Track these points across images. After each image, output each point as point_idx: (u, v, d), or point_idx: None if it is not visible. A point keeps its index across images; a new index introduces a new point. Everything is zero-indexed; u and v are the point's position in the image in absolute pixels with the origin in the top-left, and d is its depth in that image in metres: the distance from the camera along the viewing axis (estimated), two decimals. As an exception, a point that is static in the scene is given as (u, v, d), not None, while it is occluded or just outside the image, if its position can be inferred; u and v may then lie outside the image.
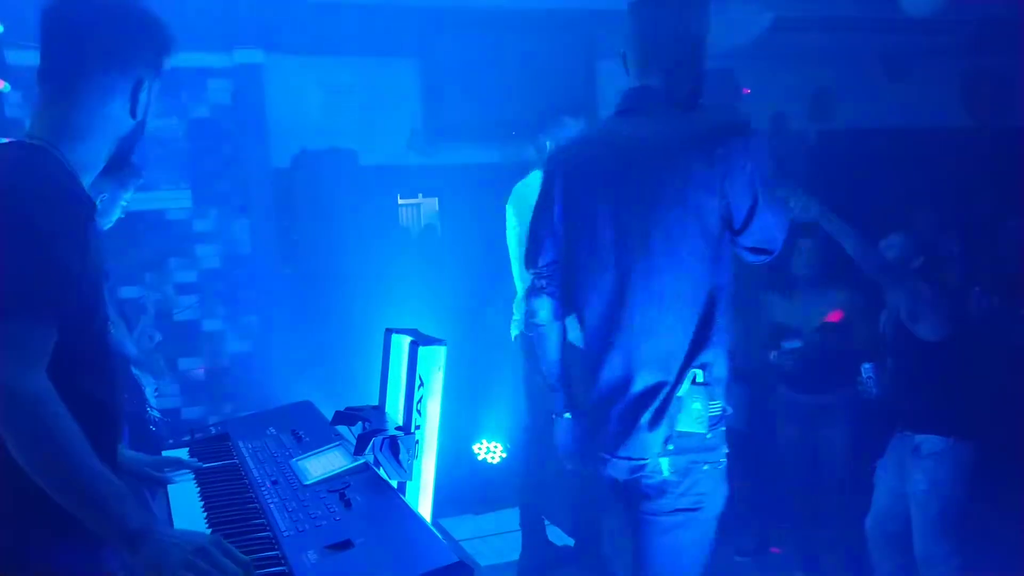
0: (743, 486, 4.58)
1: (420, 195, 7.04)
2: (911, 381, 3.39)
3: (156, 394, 3.84)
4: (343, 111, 5.31)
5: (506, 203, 3.87)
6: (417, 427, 2.10)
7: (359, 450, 2.01)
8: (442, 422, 2.15)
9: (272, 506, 1.83)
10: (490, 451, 4.72)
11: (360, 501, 1.79)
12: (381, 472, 1.99)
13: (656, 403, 2.04)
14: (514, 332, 3.90)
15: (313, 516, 1.74)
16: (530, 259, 2.30)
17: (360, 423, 2.20)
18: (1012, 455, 4.85)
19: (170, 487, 2.08)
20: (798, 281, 4.18)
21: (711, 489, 2.09)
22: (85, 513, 1.33)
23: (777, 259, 2.15)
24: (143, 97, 1.53)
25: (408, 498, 2.01)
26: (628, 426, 2.07)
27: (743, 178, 1.97)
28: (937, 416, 3.30)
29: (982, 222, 5.93)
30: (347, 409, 2.30)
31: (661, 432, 2.04)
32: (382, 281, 4.93)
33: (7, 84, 3.85)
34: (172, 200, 4.88)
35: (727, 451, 2.15)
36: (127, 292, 4.62)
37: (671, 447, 2.03)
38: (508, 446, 4.65)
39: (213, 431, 2.49)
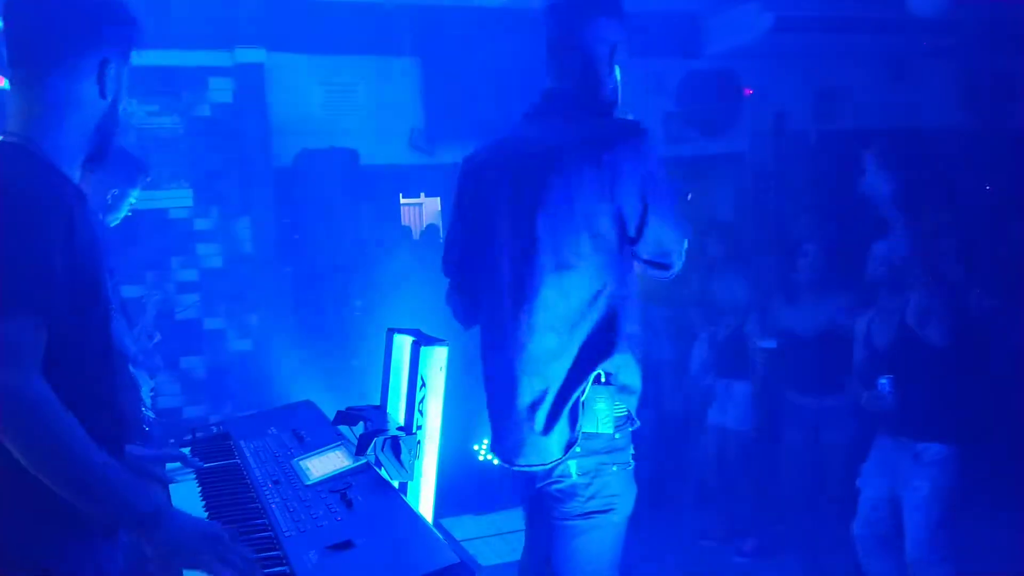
0: (744, 487, 4.64)
1: (422, 194, 7.05)
2: (914, 388, 3.31)
3: (152, 394, 3.83)
4: (345, 110, 5.32)
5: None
6: (419, 427, 2.10)
7: (361, 450, 2.01)
8: (444, 422, 2.15)
9: (273, 506, 1.84)
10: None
11: (361, 501, 1.79)
12: (383, 472, 1.99)
13: (546, 407, 2.03)
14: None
15: (314, 516, 1.74)
16: (443, 261, 2.32)
17: (362, 423, 2.20)
18: (1002, 458, 4.87)
19: (171, 486, 2.08)
20: (801, 286, 4.18)
21: (622, 490, 2.08)
22: (96, 506, 1.34)
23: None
24: (111, 77, 1.50)
25: (409, 498, 2.02)
26: (522, 432, 2.07)
27: (632, 184, 1.98)
28: (940, 424, 3.25)
29: (982, 223, 5.93)
30: (349, 409, 2.31)
31: (557, 436, 2.02)
32: (384, 281, 4.93)
33: (8, 81, 3.84)
34: (173, 199, 4.88)
35: (634, 452, 2.14)
36: (128, 291, 4.61)
37: (578, 449, 2.02)
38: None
39: (214, 430, 2.50)
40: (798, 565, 4.31)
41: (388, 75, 5.37)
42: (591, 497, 2.05)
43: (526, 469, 2.08)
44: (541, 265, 2.02)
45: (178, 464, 2.15)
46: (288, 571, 1.53)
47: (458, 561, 1.48)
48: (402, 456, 2.02)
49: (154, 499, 1.38)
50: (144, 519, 1.35)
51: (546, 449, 2.04)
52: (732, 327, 4.63)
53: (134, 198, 3.76)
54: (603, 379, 2.03)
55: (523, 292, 2.06)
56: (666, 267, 2.12)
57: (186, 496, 2.01)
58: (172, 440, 2.69)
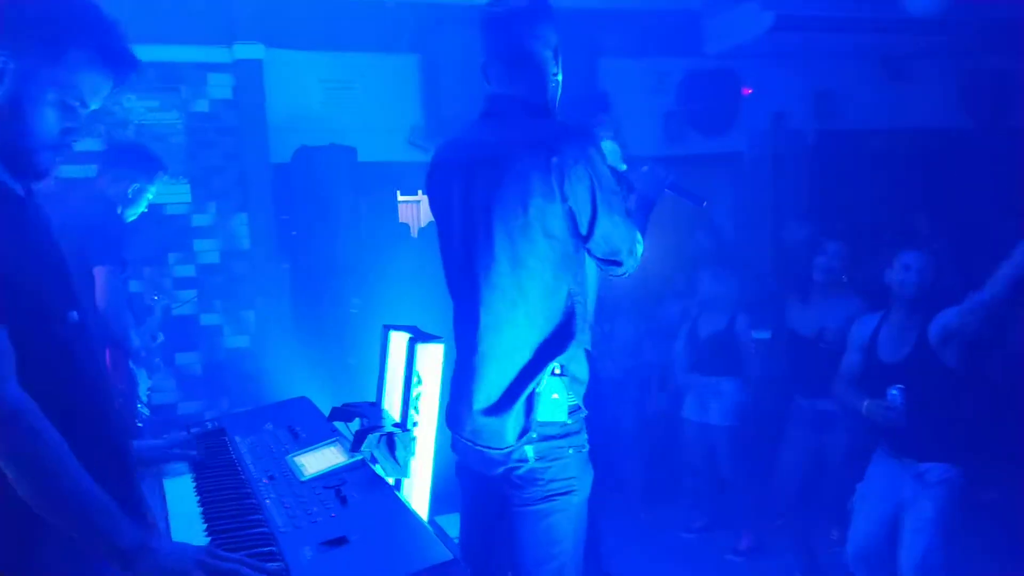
0: (731, 484, 4.65)
1: (420, 192, 7.03)
2: (923, 406, 3.21)
3: (149, 391, 3.84)
4: (343, 107, 5.31)
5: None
6: (414, 424, 2.10)
7: (356, 447, 2.01)
8: (439, 419, 2.16)
9: (268, 502, 1.83)
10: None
11: (356, 498, 1.79)
12: (378, 469, 1.99)
13: (504, 398, 2.11)
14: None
15: (309, 512, 1.74)
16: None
17: (357, 419, 2.20)
18: (1007, 477, 4.86)
19: (166, 482, 2.08)
20: (814, 288, 4.16)
21: (579, 472, 2.15)
22: (73, 530, 1.31)
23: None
24: (7, 73, 1.40)
25: (404, 495, 2.02)
26: (479, 422, 2.15)
27: (580, 184, 2.04)
28: (945, 444, 3.20)
29: (981, 225, 5.93)
30: (344, 405, 2.30)
31: (513, 424, 2.10)
32: (381, 278, 4.93)
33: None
34: (171, 194, 4.87)
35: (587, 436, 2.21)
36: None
37: (534, 435, 2.09)
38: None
39: (210, 426, 2.49)
40: (795, 566, 4.32)
41: (387, 72, 5.36)
42: (551, 480, 2.11)
43: (484, 450, 2.14)
44: (498, 265, 2.10)
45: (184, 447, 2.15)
46: (283, 567, 1.53)
47: (452, 558, 1.48)
48: (397, 453, 2.02)
49: (135, 533, 1.33)
50: (123, 552, 1.31)
51: (501, 436, 2.11)
52: (720, 323, 4.64)
53: (152, 194, 3.81)
54: (558, 371, 2.10)
55: (481, 290, 2.13)
56: (618, 264, 2.19)
57: (181, 492, 2.00)
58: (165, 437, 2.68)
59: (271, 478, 1.98)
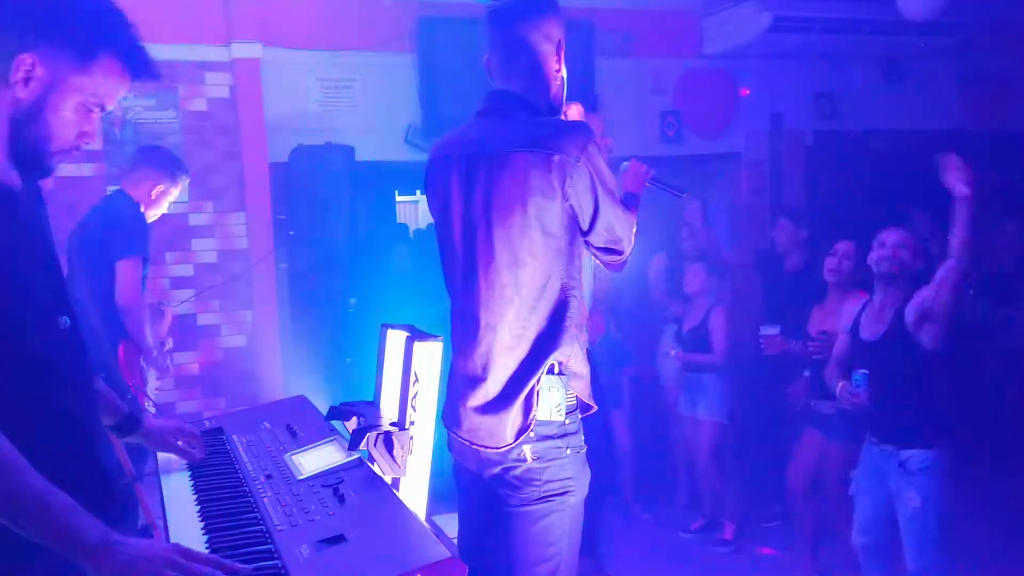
0: (721, 477, 4.68)
1: (418, 192, 7.03)
2: (900, 392, 3.24)
3: (156, 390, 3.85)
4: (341, 106, 5.31)
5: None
6: (412, 423, 2.10)
7: (353, 445, 2.01)
8: (437, 418, 2.15)
9: (265, 500, 1.83)
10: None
11: (354, 496, 1.79)
12: (375, 467, 1.99)
13: (501, 396, 2.11)
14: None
15: (306, 510, 1.74)
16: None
17: (355, 418, 2.19)
18: (992, 459, 4.88)
19: (163, 480, 2.08)
20: (827, 287, 4.17)
21: (577, 473, 2.14)
22: (37, 533, 1.26)
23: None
24: (27, 69, 1.37)
25: (402, 494, 2.01)
26: (476, 419, 2.15)
27: (582, 182, 2.04)
28: (923, 429, 3.21)
29: (981, 225, 5.93)
30: (342, 404, 2.30)
31: (511, 423, 2.09)
32: (379, 278, 4.93)
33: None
34: (168, 194, 4.86)
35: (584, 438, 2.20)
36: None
37: (531, 434, 2.09)
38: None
39: (207, 425, 2.49)
40: (795, 563, 4.33)
41: (385, 71, 5.36)
42: (548, 481, 2.10)
43: (481, 449, 2.14)
44: (497, 263, 2.10)
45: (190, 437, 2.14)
46: (279, 565, 1.53)
47: (449, 556, 1.48)
48: (395, 452, 2.02)
49: (101, 529, 1.29)
50: (91, 550, 1.26)
51: (499, 435, 2.10)
52: (698, 319, 4.69)
53: (174, 196, 3.86)
54: (556, 369, 2.10)
55: (479, 288, 2.13)
56: (618, 253, 2.21)
57: (178, 490, 2.00)
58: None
59: (268, 477, 1.98)
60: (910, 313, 3.23)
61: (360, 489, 1.84)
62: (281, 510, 1.76)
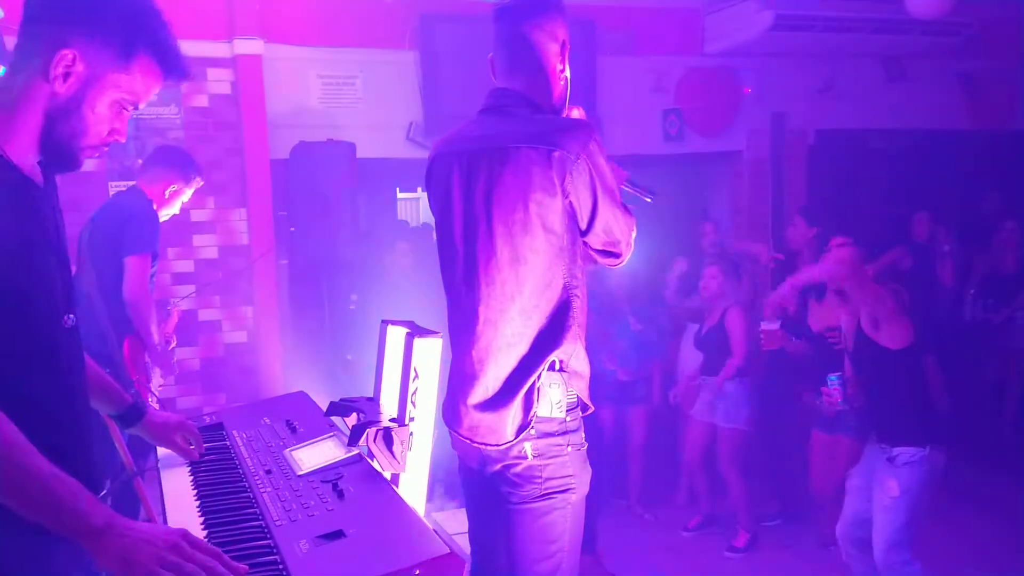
0: (743, 486, 4.66)
1: (420, 189, 7.03)
2: (877, 391, 3.39)
3: (160, 386, 3.86)
4: (342, 103, 5.31)
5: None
6: (411, 419, 2.11)
7: (353, 441, 2.01)
8: (436, 414, 2.16)
9: (265, 495, 1.83)
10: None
11: (353, 492, 1.79)
12: (375, 463, 2.00)
13: (501, 393, 2.10)
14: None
15: (306, 506, 1.74)
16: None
17: (354, 414, 2.20)
18: (991, 458, 4.89)
19: (163, 474, 2.08)
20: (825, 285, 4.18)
21: (577, 471, 2.13)
22: (41, 515, 1.26)
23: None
24: (67, 65, 1.38)
25: (401, 490, 2.02)
26: (477, 416, 2.14)
27: (581, 179, 2.04)
28: (910, 426, 3.29)
29: (977, 224, 5.95)
30: (342, 400, 2.30)
31: (511, 420, 2.09)
32: (380, 275, 4.94)
33: (3, 69, 3.85)
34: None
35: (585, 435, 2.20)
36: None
37: (532, 431, 2.08)
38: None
39: (208, 420, 2.49)
40: (795, 564, 4.34)
41: (387, 68, 5.36)
42: (548, 478, 2.09)
43: (482, 447, 2.14)
44: (498, 260, 2.09)
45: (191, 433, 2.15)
46: (278, 560, 1.53)
47: (448, 552, 1.48)
48: (394, 448, 2.02)
49: (104, 511, 1.29)
50: (95, 532, 1.26)
51: (500, 432, 2.10)
52: (714, 320, 4.68)
53: (187, 196, 3.88)
54: (557, 366, 2.10)
55: (480, 284, 2.12)
56: (616, 255, 2.19)
57: (178, 485, 2.01)
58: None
59: (268, 472, 1.98)
60: (864, 320, 3.37)
61: (359, 485, 1.84)
62: (280, 505, 1.76)
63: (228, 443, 2.27)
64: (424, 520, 1.71)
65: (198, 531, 1.71)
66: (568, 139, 2.04)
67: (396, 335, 2.28)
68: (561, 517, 2.12)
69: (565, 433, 2.11)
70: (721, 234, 5.26)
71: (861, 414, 3.68)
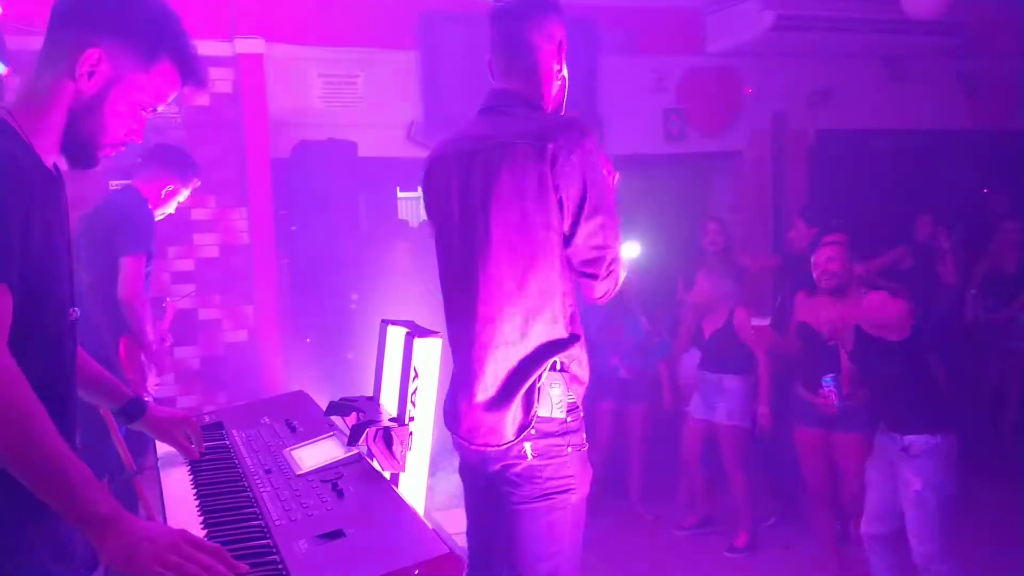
0: (742, 484, 4.66)
1: (420, 188, 7.03)
2: (881, 382, 3.43)
3: (156, 386, 3.86)
4: (344, 102, 5.31)
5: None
6: (411, 419, 2.10)
7: (353, 441, 2.01)
8: (436, 414, 2.15)
9: (264, 495, 1.83)
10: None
11: (353, 492, 1.79)
12: (374, 463, 1.99)
13: (502, 393, 2.10)
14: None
15: (305, 506, 1.74)
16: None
17: (354, 414, 2.20)
18: (994, 446, 4.88)
19: (163, 473, 2.08)
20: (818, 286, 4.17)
21: (578, 471, 2.13)
22: (52, 496, 1.28)
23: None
24: (92, 63, 1.43)
25: (401, 489, 2.02)
26: (477, 416, 2.14)
27: (571, 174, 2.02)
28: (919, 415, 3.32)
29: (977, 223, 5.95)
30: (341, 399, 2.30)
31: (511, 419, 2.08)
32: (380, 274, 4.93)
33: (2, 65, 3.86)
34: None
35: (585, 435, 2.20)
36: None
37: (532, 431, 2.08)
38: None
39: (207, 419, 2.49)
40: (793, 563, 4.33)
41: (388, 68, 5.36)
42: (549, 478, 2.09)
43: (482, 448, 2.13)
44: (496, 257, 2.09)
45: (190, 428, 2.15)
46: (278, 560, 1.53)
47: (448, 552, 1.48)
48: (394, 447, 2.02)
49: (112, 502, 1.30)
50: (101, 521, 1.28)
51: (500, 432, 2.10)
52: (720, 320, 4.67)
53: (183, 197, 3.88)
54: (558, 366, 2.09)
55: (479, 283, 2.11)
56: (594, 277, 2.11)
57: (177, 484, 2.01)
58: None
59: (268, 471, 1.98)
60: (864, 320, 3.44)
61: (359, 484, 1.83)
62: (280, 505, 1.76)
63: (228, 442, 2.27)
64: (424, 520, 1.71)
65: (197, 530, 1.71)
66: (563, 135, 2.03)
67: (396, 335, 2.28)
68: (561, 518, 2.11)
69: (565, 434, 2.11)
70: (727, 234, 5.24)
71: (864, 408, 3.68)
